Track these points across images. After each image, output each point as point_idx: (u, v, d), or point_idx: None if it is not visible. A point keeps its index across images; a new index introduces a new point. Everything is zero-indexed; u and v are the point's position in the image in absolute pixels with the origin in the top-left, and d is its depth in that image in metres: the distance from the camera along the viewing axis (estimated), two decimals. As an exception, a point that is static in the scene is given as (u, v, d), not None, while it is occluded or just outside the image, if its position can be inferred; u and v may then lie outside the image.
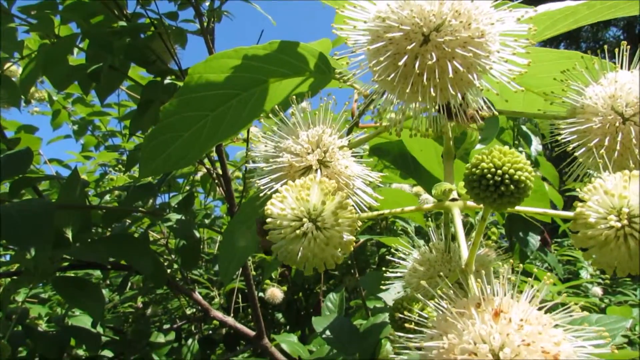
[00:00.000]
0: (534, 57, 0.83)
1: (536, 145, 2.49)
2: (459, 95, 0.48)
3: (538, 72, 0.85)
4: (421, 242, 0.75)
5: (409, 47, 0.46)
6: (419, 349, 0.41)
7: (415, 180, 1.15)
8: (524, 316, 0.39)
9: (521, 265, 0.52)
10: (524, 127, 2.43)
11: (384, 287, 0.72)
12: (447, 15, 0.46)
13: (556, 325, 0.41)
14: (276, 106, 0.66)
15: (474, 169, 0.44)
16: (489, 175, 0.44)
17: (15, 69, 2.24)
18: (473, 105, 0.50)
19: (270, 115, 0.68)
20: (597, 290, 3.52)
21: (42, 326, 2.09)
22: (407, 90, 0.47)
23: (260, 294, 2.66)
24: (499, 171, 0.43)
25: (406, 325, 0.44)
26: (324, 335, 1.33)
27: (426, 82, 0.45)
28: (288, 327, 3.10)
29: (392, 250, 0.71)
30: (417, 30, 0.47)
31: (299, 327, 3.00)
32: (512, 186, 0.43)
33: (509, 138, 2.36)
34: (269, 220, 0.53)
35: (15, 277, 1.55)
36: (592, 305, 2.54)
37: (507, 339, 0.38)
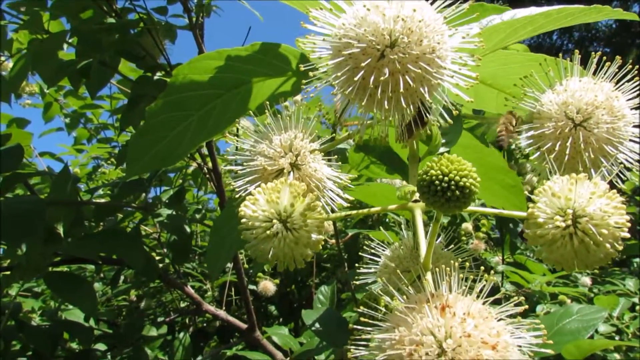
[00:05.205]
0: (505, 59, 0.86)
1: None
2: (412, 107, 0.51)
3: (509, 74, 0.88)
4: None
5: (365, 63, 0.49)
6: (368, 340, 0.45)
7: (400, 175, 1.18)
8: (467, 310, 0.43)
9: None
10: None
11: (357, 282, 0.75)
12: (399, 32, 0.49)
13: (500, 319, 0.45)
14: (251, 112, 0.69)
15: (424, 176, 0.48)
16: (437, 182, 0.47)
17: (6, 63, 2.23)
18: (427, 116, 0.53)
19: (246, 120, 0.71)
20: (586, 280, 3.57)
21: (36, 320, 2.12)
22: (364, 103, 0.51)
23: (253, 286, 2.69)
24: (446, 178, 0.47)
25: (363, 319, 0.48)
26: (313, 328, 1.36)
27: (380, 95, 0.49)
28: (281, 319, 3.15)
29: (364, 247, 0.75)
30: (373, 46, 0.49)
31: (292, 319, 3.04)
32: (457, 192, 0.47)
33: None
34: (242, 221, 0.56)
35: (7, 272, 1.58)
36: (580, 295, 2.57)
37: (450, 331, 0.42)
